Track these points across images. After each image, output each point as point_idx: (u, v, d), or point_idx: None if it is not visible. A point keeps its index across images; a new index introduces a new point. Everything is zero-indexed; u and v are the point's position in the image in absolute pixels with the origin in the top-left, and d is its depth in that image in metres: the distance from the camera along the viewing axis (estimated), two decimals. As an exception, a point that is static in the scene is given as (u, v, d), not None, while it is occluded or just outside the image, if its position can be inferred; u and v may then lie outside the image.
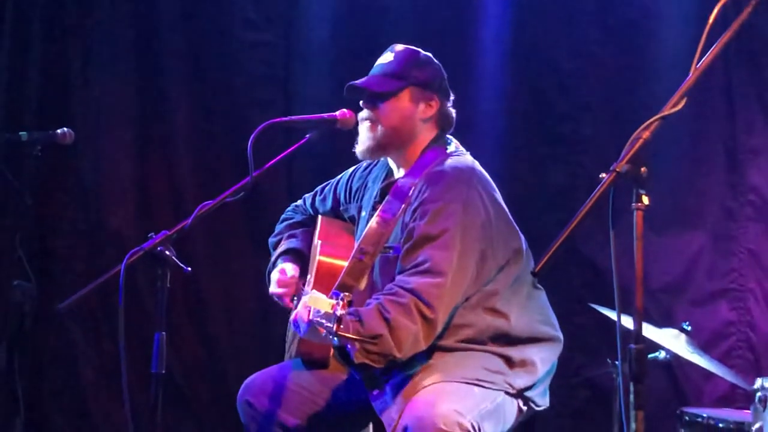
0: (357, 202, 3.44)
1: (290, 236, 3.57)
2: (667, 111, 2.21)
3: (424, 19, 5.03)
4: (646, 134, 2.18)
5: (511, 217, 3.24)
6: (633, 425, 2.14)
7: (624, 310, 2.24)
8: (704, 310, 4.83)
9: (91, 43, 5.01)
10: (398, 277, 3.02)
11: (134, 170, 5.05)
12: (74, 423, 4.93)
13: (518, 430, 3.22)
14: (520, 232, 3.24)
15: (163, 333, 2.86)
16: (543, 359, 3.17)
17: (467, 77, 4.87)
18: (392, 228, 3.14)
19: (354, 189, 3.47)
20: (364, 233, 3.15)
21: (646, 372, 2.15)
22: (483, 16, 5.03)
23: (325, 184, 3.62)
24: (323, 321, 2.75)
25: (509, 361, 3.10)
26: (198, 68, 5.11)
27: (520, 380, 3.11)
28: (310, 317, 2.79)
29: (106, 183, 5.01)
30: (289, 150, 3.17)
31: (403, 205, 3.14)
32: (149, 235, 2.88)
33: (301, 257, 3.49)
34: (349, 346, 2.85)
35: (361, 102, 3.26)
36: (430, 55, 3.30)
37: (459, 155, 3.25)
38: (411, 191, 3.15)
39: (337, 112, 3.23)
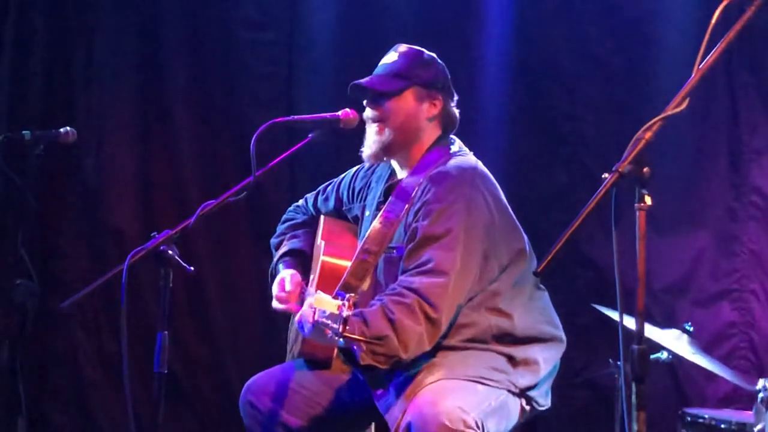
0: (361, 201, 3.44)
1: (292, 237, 3.57)
2: (669, 111, 2.21)
3: (426, 19, 5.03)
4: (648, 135, 2.18)
5: (514, 218, 3.24)
6: (635, 426, 2.14)
7: (626, 310, 2.24)
8: (706, 310, 4.83)
9: (94, 42, 5.01)
10: (401, 278, 3.03)
11: (137, 170, 5.05)
12: (76, 422, 4.93)
13: (520, 429, 3.22)
14: (523, 232, 3.24)
15: (166, 332, 2.86)
16: (546, 359, 3.17)
17: (469, 77, 4.87)
18: (396, 228, 3.14)
19: (357, 189, 3.47)
20: (367, 233, 3.15)
21: (648, 372, 2.15)
22: (485, 15, 5.03)
23: (327, 183, 3.62)
24: (329, 322, 2.74)
25: (512, 360, 3.11)
26: (201, 68, 5.11)
27: (523, 379, 3.11)
28: (316, 318, 2.78)
29: (109, 182, 5.01)
30: (291, 149, 3.17)
31: (406, 206, 3.14)
32: (152, 235, 2.88)
33: (303, 258, 3.49)
34: (355, 347, 2.85)
35: (365, 101, 3.26)
36: (434, 55, 3.31)
37: (462, 155, 3.25)
38: (414, 191, 3.15)
39: (340, 112, 3.23)
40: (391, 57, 3.28)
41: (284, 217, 3.69)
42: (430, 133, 3.26)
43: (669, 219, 4.81)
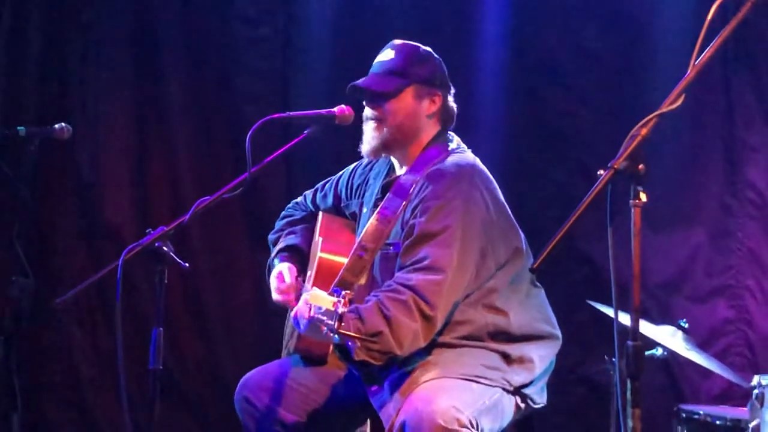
0: (358, 198, 3.43)
1: (290, 233, 3.56)
2: (665, 108, 2.21)
3: (422, 15, 5.02)
4: (644, 131, 2.18)
5: (511, 215, 3.24)
6: (630, 422, 2.14)
7: (621, 307, 2.24)
8: (702, 307, 4.84)
9: (89, 38, 5.00)
10: (398, 274, 3.02)
11: (132, 166, 5.04)
12: (71, 418, 4.93)
13: (516, 427, 3.22)
14: (520, 230, 3.24)
15: (161, 329, 2.86)
16: (541, 357, 3.17)
17: (465, 74, 4.86)
18: (393, 225, 3.14)
19: (355, 186, 3.47)
20: (364, 230, 3.15)
21: (644, 369, 2.15)
22: (481, 11, 5.03)
23: (325, 180, 3.62)
24: (324, 318, 2.74)
25: (507, 358, 3.11)
26: (196, 64, 5.10)
27: (518, 377, 3.11)
28: (311, 314, 2.78)
29: (104, 178, 5.00)
30: (287, 146, 3.17)
31: (404, 203, 3.14)
32: (147, 231, 2.88)
33: (299, 254, 3.49)
34: (350, 343, 2.85)
35: (364, 102, 3.25)
36: (429, 49, 3.30)
37: (461, 152, 3.25)
38: (412, 188, 3.15)
39: (336, 108, 3.22)
40: (387, 54, 3.27)
41: (283, 213, 3.69)
42: (429, 129, 3.26)
43: (664, 215, 4.82)
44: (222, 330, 5.05)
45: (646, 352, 3.80)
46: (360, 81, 3.24)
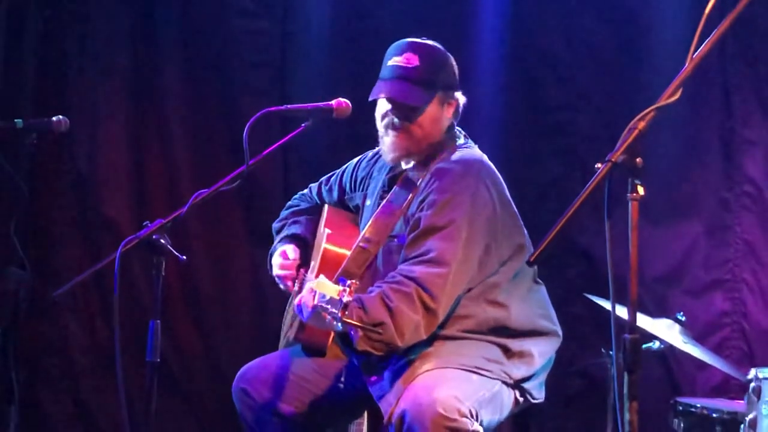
0: (362, 191, 3.44)
1: (294, 222, 3.57)
2: (663, 101, 2.21)
3: (421, 8, 5.00)
4: (641, 125, 2.17)
5: (516, 212, 3.24)
6: (627, 415, 2.15)
7: (618, 300, 2.24)
8: (699, 300, 4.84)
9: (87, 30, 4.99)
10: (402, 266, 3.03)
11: (129, 158, 5.03)
12: (69, 410, 4.93)
13: (512, 418, 3.23)
14: (523, 227, 3.24)
15: (158, 321, 2.86)
16: (541, 352, 3.18)
17: (463, 67, 4.80)
18: (398, 218, 3.15)
19: (359, 178, 3.47)
20: (369, 222, 3.16)
21: (640, 362, 2.15)
22: (480, 5, 5.02)
23: (330, 174, 3.61)
24: (328, 307, 2.75)
25: (507, 351, 3.12)
26: (193, 56, 5.09)
27: (518, 371, 3.12)
28: (315, 302, 2.79)
29: (102, 171, 4.99)
30: (285, 138, 3.16)
31: (410, 196, 3.15)
32: (144, 224, 2.88)
33: (302, 243, 3.50)
34: (352, 332, 2.86)
35: (388, 109, 3.18)
36: (442, 48, 3.26)
37: (468, 147, 3.25)
38: (419, 182, 3.16)
39: (333, 101, 3.20)
40: (409, 59, 3.17)
41: (288, 203, 3.69)
42: (444, 127, 3.24)
43: (662, 209, 4.81)
44: (219, 322, 5.05)
45: (643, 345, 3.81)
46: (390, 93, 3.15)
